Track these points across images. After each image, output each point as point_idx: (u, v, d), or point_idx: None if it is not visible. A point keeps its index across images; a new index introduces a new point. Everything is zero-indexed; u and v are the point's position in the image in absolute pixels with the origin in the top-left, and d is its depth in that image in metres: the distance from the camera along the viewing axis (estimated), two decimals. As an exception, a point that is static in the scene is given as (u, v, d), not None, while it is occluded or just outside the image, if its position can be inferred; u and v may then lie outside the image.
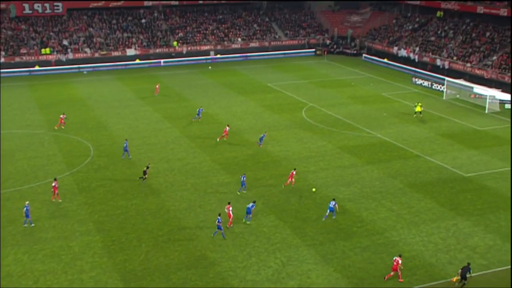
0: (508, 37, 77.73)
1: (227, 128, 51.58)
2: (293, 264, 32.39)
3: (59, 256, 33.04)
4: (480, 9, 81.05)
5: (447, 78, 70.66)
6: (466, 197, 40.08)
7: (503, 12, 77.26)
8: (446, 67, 79.12)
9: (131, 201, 39.55)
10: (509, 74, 69.28)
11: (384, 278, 30.73)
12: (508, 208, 38.33)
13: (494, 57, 75.02)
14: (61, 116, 55.09)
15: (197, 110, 57.91)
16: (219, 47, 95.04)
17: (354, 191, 41.14)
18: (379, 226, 36.07)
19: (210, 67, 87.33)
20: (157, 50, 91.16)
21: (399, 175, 44.04)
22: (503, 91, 66.10)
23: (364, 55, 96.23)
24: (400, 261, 30.80)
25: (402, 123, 58.03)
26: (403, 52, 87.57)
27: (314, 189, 40.84)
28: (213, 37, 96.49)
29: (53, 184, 39.17)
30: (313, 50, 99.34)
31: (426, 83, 75.06)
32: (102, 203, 39.28)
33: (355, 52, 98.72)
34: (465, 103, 66.15)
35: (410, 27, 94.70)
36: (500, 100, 64.61)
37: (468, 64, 76.33)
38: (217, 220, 34.45)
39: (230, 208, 35.83)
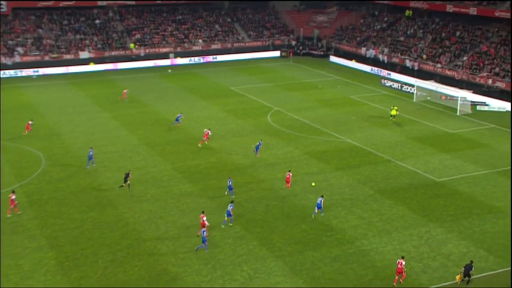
0: (478, 36, 79.65)
1: (209, 132, 51.76)
2: (261, 277, 32.37)
3: (7, 276, 32.28)
4: (450, 8, 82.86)
5: (417, 80, 71.97)
6: (439, 203, 40.76)
7: (473, 11, 79.16)
8: (416, 68, 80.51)
9: (86, 214, 38.98)
10: (480, 74, 70.90)
11: (393, 283, 31.25)
12: (481, 213, 39.12)
13: (465, 58, 76.72)
14: (29, 122, 55.24)
15: (176, 116, 57.61)
16: (179, 49, 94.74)
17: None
18: (349, 235, 36.37)
19: (169, 70, 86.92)
20: (113, 53, 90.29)
21: (370, 181, 44.52)
22: (474, 92, 67.62)
23: (331, 56, 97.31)
24: (403, 263, 31.53)
25: (371, 126, 58.76)
26: (371, 53, 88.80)
27: (313, 184, 42.71)
28: (173, 38, 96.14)
29: (12, 197, 38.17)
30: (278, 51, 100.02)
31: (395, 85, 76.20)
32: (55, 216, 38.60)
33: (322, 53, 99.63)
34: (436, 105, 67.41)
35: (379, 27, 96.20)
36: (471, 101, 66.07)
37: (439, 65, 77.84)
38: (202, 232, 34.20)
39: (205, 218, 35.74)
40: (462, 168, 47.25)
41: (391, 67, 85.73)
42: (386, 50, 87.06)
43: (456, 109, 64.28)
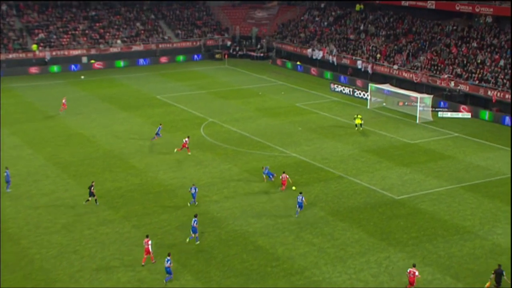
0: (438, 33, 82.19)
1: (186, 139, 53.88)
2: (196, 318, 32.09)
3: None
4: (405, 2, 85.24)
5: (371, 84, 73.47)
6: (399, 224, 41.51)
7: (431, 4, 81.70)
8: (369, 70, 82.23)
9: (-18, 251, 37.70)
10: (441, 76, 73.06)
11: None
12: (447, 234, 40.05)
13: (422, 57, 78.87)
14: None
15: (157, 128, 57.72)
16: (93, 51, 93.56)
17: (266, 223, 41.50)
18: (298, 264, 36.56)
19: (82, 77, 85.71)
20: (10, 56, 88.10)
21: (320, 201, 44.97)
22: (436, 96, 69.55)
23: (273, 58, 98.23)
24: (416, 272, 33.30)
25: (321, 138, 59.48)
26: (318, 54, 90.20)
27: (294, 188, 46.02)
28: (85, 39, 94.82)
29: None
30: (211, 53, 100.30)
31: (346, 90, 77.50)
32: None
33: (261, 54, 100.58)
34: (393, 112, 68.92)
35: (325, 23, 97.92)
36: (432, 108, 67.92)
37: (395, 66, 79.72)
38: (167, 261, 34.55)
39: (150, 242, 35.99)
40: (424, 184, 48.34)
41: (342, 69, 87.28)
42: (334, 50, 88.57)
43: (415, 117, 65.86)
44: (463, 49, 76.03)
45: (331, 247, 38.47)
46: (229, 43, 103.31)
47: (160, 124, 59.26)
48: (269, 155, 54.29)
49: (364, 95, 74.67)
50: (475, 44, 76.08)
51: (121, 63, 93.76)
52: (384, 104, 71.38)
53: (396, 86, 74.39)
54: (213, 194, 45.87)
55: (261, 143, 57.77)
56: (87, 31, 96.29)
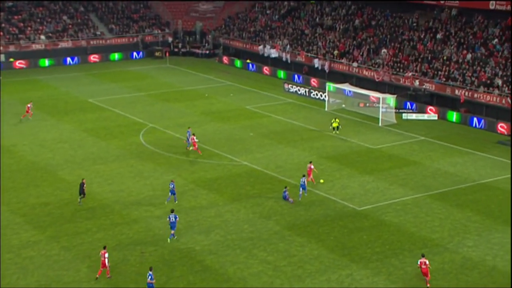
0: (400, 26, 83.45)
1: (193, 137, 56.07)
2: None
3: None
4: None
5: (328, 83, 74.06)
6: (362, 238, 41.87)
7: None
8: (327, 68, 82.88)
9: None
10: (405, 74, 74.14)
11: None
12: (414, 248, 40.50)
13: (384, 51, 79.73)
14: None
15: (186, 132, 58.29)
16: (11, 48, 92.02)
17: (215, 239, 41.43)
18: (251, 285, 36.59)
19: None
20: None
21: (274, 214, 45.10)
22: (399, 96, 70.49)
23: (220, 55, 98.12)
24: (427, 262, 35.97)
25: (274, 144, 59.72)
26: (270, 51, 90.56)
27: (322, 181, 49.92)
28: (1, 33, 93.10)
29: None
30: (150, 51, 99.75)
31: (302, 90, 77.95)
32: None
33: (207, 52, 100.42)
34: (353, 115, 69.62)
35: (277, 16, 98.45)
36: (396, 109, 68.86)
37: (354, 64, 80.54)
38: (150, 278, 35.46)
39: (106, 255, 36.37)
40: (388, 193, 48.93)
41: (296, 67, 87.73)
42: (288, 46, 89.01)
43: (377, 119, 66.64)
44: (427, 44, 77.27)
45: (288, 265, 38.55)
46: (170, 39, 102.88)
47: (189, 128, 58.99)
48: (217, 164, 54.29)
49: (321, 96, 75.21)
50: (440, 36, 77.42)
51: (46, 62, 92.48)
52: (343, 105, 72.02)
53: (356, 85, 75.11)
54: (156, 209, 45.57)
55: (209, 150, 57.71)
56: (3, 25, 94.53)
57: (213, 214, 44.94)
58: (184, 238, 41.57)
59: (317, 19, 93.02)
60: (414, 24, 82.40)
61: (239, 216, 44.68)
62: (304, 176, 48.05)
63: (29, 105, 66.90)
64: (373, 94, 69.13)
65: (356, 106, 71.01)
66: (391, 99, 67.94)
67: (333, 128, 62.68)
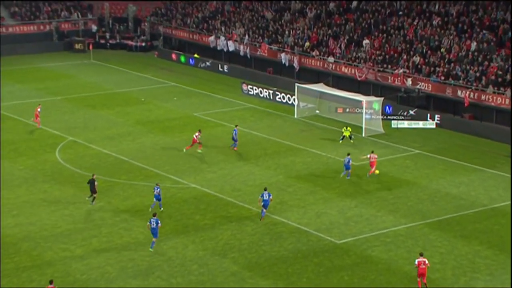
0: (387, 10, 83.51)
1: (197, 134, 60.22)
2: None
3: None
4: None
5: (298, 84, 73.84)
6: (342, 279, 41.60)
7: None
8: (296, 65, 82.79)
9: None
10: (394, 71, 74.25)
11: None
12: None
13: (366, 42, 79.76)
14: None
15: (233, 132, 62.02)
16: None
17: (156, 284, 40.93)
18: None
19: None
20: None
21: (231, 250, 44.67)
22: (387, 99, 70.53)
23: (159, 48, 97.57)
24: (427, 261, 39.36)
25: (231, 161, 59.33)
26: (223, 43, 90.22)
27: (377, 171, 55.24)
28: None
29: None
30: (68, 42, 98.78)
31: (264, 93, 77.75)
32: None
33: (143, 44, 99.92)
34: (330, 123, 69.58)
35: None
36: (383, 115, 69.00)
37: (330, 59, 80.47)
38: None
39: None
40: (375, 221, 48.74)
41: (257, 64, 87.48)
42: (246, 37, 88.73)
43: (360, 128, 66.65)
44: (421, 32, 77.50)
45: (249, 317, 38.20)
46: (94, 27, 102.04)
47: (236, 126, 62.08)
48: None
49: (289, 99, 75.21)
50: (436, 22, 77.89)
51: None
52: (318, 111, 72.07)
53: (333, 86, 75.21)
54: (76, 247, 44.84)
55: (146, 170, 57.33)
56: None
57: (153, 251, 44.37)
58: (116, 283, 40.90)
59: (282, 2, 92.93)
60: (404, 8, 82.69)
61: (186, 253, 44.25)
62: (349, 154, 55.11)
63: (39, 109, 67.49)
64: (355, 97, 69.14)
65: (333, 112, 71.10)
66: (377, 103, 68.13)
67: (344, 138, 63.41)
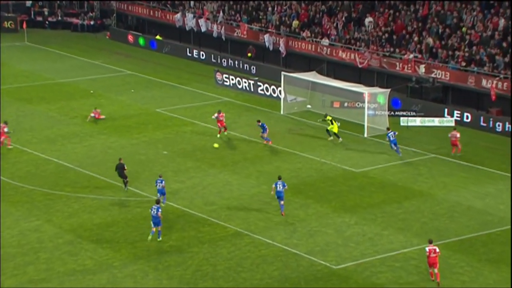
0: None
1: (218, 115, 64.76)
2: None
3: None
4: None
5: (285, 72, 73.81)
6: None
7: None
8: (282, 49, 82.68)
9: None
10: (403, 56, 74.28)
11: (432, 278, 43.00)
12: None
13: (369, 20, 79.66)
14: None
15: (261, 124, 65.03)
16: None
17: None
18: None
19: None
20: None
21: (203, 278, 44.44)
22: (395, 91, 70.85)
23: (111, 28, 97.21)
24: (437, 249, 43.11)
25: (202, 169, 59.42)
26: (192, 21, 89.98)
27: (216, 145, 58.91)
28: None
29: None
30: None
31: (243, 83, 77.73)
32: None
33: (91, 23, 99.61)
34: (324, 120, 69.49)
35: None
36: (390, 111, 69.06)
37: (324, 41, 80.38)
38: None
39: None
40: (381, 241, 48.76)
41: (234, 47, 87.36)
42: (220, 14, 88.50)
43: (362, 126, 66.80)
44: (436, 8, 77.48)
45: None
46: (29, 1, 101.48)
47: (258, 122, 65.06)
48: (111, 201, 53.83)
49: (274, 91, 75.32)
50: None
51: None
52: (309, 106, 72.23)
53: (327, 75, 75.43)
54: (7, 278, 44.53)
55: (96, 179, 57.34)
56: None
57: (105, 281, 44.23)
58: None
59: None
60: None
61: (147, 283, 44.16)
62: (389, 129, 61.53)
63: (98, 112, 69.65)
64: (355, 88, 69.25)
65: (329, 107, 71.14)
66: (382, 96, 68.35)
67: (329, 133, 64.03)
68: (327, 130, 64.62)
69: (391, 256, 46.91)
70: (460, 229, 50.22)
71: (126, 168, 55.00)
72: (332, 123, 64.30)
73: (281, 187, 51.25)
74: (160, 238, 48.04)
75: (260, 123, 64.57)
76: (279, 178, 51.88)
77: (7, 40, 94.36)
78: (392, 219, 51.49)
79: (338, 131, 64.36)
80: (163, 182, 52.46)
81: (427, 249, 43.25)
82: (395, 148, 60.93)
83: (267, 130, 64.23)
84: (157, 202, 48.43)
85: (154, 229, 47.96)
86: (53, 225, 50.45)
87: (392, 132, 59.57)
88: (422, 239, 48.82)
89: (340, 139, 64.26)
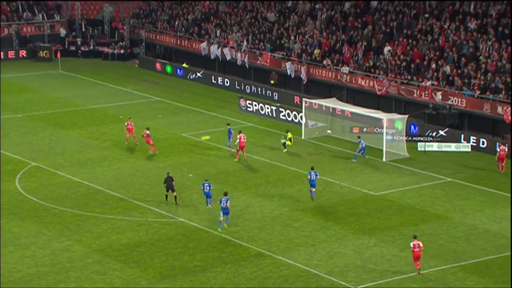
0: (413, 11, 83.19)
1: (241, 136, 64.83)
2: None
3: None
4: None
5: (306, 99, 73.68)
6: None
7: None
8: (304, 76, 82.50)
9: None
10: (421, 84, 73.92)
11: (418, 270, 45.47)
12: None
13: (388, 49, 79.40)
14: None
15: (228, 129, 67.53)
16: None
17: None
18: None
19: None
20: None
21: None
22: (413, 117, 70.34)
23: (141, 57, 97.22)
24: (421, 244, 46.02)
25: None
26: (217, 50, 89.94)
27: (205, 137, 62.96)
28: None
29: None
30: (32, 48, 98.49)
31: (266, 109, 77.53)
32: None
33: (122, 51, 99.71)
34: (343, 145, 69.41)
35: None
36: (408, 136, 68.59)
37: (344, 69, 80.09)
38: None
39: None
40: (399, 263, 48.36)
41: (258, 75, 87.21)
42: (244, 43, 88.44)
43: (380, 151, 66.43)
44: (453, 36, 77.14)
45: None
46: (63, 31, 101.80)
47: (228, 125, 67.76)
48: (139, 221, 53.76)
49: (295, 117, 75.02)
50: (473, 25, 77.51)
51: None
52: (329, 131, 71.86)
53: (347, 101, 75.14)
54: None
55: (124, 201, 57.21)
56: None
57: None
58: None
59: (289, 2, 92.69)
60: (434, 8, 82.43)
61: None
62: (359, 137, 64.92)
63: (131, 124, 69.16)
64: (374, 114, 69.02)
65: (348, 132, 70.79)
66: (400, 122, 67.95)
67: (283, 144, 65.51)
68: (284, 144, 67.05)
69: (409, 277, 46.45)
70: (477, 252, 49.77)
71: (174, 180, 56.39)
72: (290, 141, 67.04)
73: (314, 177, 56.76)
74: (227, 223, 52.42)
75: (228, 127, 67.17)
76: (312, 169, 57.27)
77: (42, 69, 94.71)
78: (410, 241, 50.97)
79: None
80: (211, 185, 55.45)
81: (411, 244, 46.06)
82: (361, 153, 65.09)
83: (231, 136, 66.57)
84: (225, 194, 52.37)
85: (221, 219, 51.95)
86: (83, 245, 50.41)
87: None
88: (439, 261, 48.54)
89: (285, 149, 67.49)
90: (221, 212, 51.79)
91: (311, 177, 56.82)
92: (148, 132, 66.66)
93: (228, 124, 68.16)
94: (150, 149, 66.70)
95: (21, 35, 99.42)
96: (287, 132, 66.57)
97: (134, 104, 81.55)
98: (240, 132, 64.97)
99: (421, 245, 46.00)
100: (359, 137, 65.25)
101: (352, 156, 66.22)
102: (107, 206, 56.28)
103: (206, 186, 55.33)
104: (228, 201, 52.14)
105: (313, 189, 56.99)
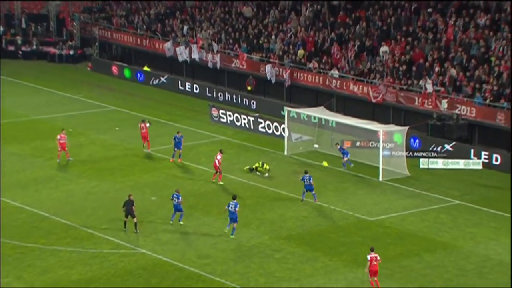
0: (413, 5, 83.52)
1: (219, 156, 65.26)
2: None
3: None
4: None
5: (288, 108, 73.90)
6: None
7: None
8: (286, 80, 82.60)
9: None
10: (422, 90, 74.05)
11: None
12: None
13: (384, 50, 79.54)
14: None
15: (174, 138, 69.66)
16: None
17: None
18: None
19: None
20: None
21: None
22: (413, 129, 70.55)
23: (94, 59, 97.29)
24: (378, 257, 47.34)
25: (195, 217, 59.24)
26: (185, 51, 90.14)
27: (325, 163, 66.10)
28: None
29: None
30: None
31: (242, 120, 77.65)
32: None
33: (71, 52, 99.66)
34: (333, 162, 69.62)
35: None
36: (409, 151, 68.74)
37: (334, 73, 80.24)
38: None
39: None
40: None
41: (232, 80, 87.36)
42: (215, 44, 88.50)
43: (377, 169, 66.65)
44: (461, 34, 77.37)
45: None
46: (0, 28, 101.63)
47: (178, 133, 69.79)
48: (92, 254, 53.44)
49: (276, 129, 75.24)
50: (482, 21, 77.84)
51: None
52: (316, 146, 72.22)
53: (337, 110, 75.36)
54: None
55: (75, 229, 57.08)
56: None
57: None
58: None
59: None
60: (437, 2, 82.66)
61: None
62: (307, 173, 61.89)
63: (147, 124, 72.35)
64: (368, 126, 69.26)
65: (339, 148, 70.45)
66: (399, 135, 68.29)
67: (260, 171, 66.98)
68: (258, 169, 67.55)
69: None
70: (490, 286, 49.74)
71: (135, 204, 56.42)
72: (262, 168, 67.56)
73: (309, 181, 60.64)
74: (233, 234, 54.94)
75: (179, 135, 69.59)
76: (306, 172, 61.28)
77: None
78: (412, 274, 51.07)
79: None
80: (180, 197, 56.93)
81: (368, 257, 47.47)
82: (346, 158, 67.54)
83: (181, 146, 69.27)
84: (234, 198, 55.36)
85: (227, 230, 55.07)
86: (24, 282, 49.96)
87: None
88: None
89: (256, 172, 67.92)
90: (228, 218, 54.78)
91: (304, 182, 60.25)
92: (148, 124, 70.53)
93: (179, 132, 70.04)
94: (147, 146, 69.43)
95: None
96: (262, 166, 66.78)
97: (86, 114, 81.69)
98: (220, 152, 65.47)
99: (378, 258, 47.54)
100: (337, 144, 68.05)
101: (345, 174, 66.41)
102: (54, 236, 55.94)
103: (175, 198, 56.78)
104: (237, 206, 54.93)
105: (313, 192, 60.46)
